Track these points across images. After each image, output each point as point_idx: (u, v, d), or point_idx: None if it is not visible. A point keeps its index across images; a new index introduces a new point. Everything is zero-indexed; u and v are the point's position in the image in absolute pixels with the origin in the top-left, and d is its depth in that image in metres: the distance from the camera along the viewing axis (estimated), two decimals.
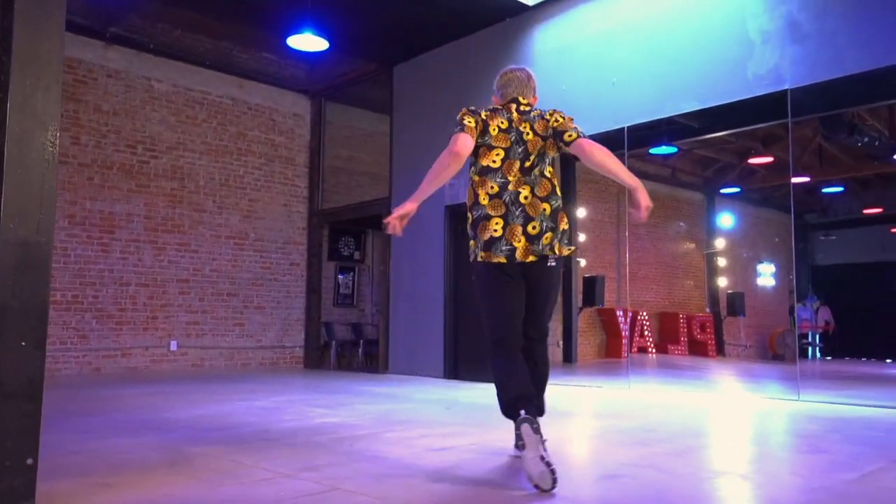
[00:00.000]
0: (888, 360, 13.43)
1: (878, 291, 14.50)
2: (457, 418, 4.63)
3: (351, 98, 10.63)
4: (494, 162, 2.94)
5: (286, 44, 7.78)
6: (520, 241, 2.82)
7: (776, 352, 14.39)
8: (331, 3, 7.43)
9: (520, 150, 2.95)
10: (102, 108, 8.53)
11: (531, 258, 2.84)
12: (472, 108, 3.10)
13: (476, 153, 3.01)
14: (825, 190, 14.60)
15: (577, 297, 12.50)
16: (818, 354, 14.75)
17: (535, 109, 3.11)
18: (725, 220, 16.55)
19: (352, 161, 10.83)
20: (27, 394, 2.03)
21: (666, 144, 10.42)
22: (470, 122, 2.99)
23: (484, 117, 3.03)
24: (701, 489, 2.60)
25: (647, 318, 13.76)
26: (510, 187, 2.89)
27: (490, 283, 2.91)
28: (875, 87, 5.94)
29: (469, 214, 2.99)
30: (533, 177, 2.91)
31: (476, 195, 2.95)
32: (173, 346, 8.90)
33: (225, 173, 9.58)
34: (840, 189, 14.60)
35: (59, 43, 2.22)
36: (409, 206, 2.96)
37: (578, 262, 12.88)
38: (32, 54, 2.12)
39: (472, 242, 2.97)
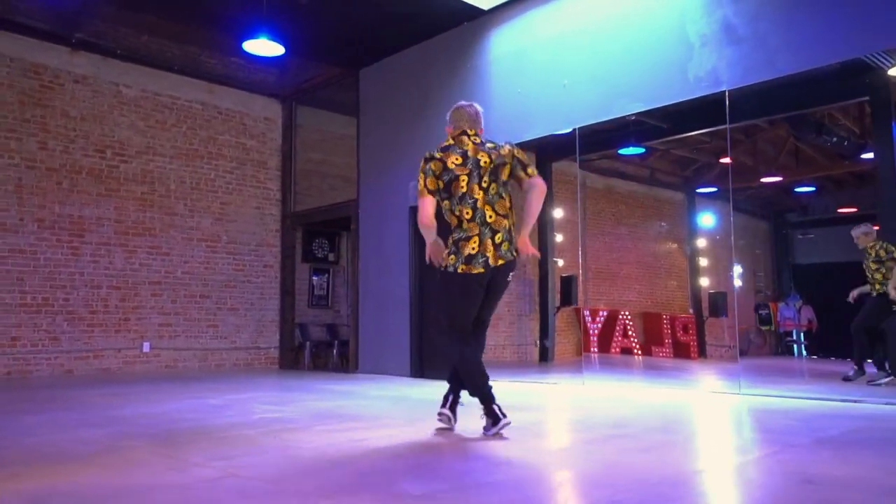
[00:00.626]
0: (869, 361, 13.58)
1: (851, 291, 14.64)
2: (397, 413, 4.77)
3: (322, 102, 10.77)
4: (463, 188, 3.56)
5: (249, 48, 7.93)
6: (490, 252, 3.52)
7: (740, 347, 14.51)
8: (292, 8, 7.57)
9: (476, 173, 3.57)
10: (70, 114, 8.65)
11: (500, 262, 3.54)
12: (429, 154, 3.66)
13: (449, 189, 3.58)
14: (797, 189, 14.77)
15: (556, 297, 12.66)
16: (804, 353, 14.87)
17: (489, 142, 3.70)
18: (706, 219, 16.68)
19: (324, 164, 10.96)
20: None
21: (633, 145, 10.60)
22: (427, 181, 3.59)
23: (439, 156, 3.61)
24: (599, 471, 2.74)
25: (629, 318, 13.83)
26: (479, 205, 3.54)
27: (465, 290, 3.57)
28: (809, 91, 6.12)
29: (451, 236, 3.62)
30: (491, 196, 3.56)
31: (459, 220, 3.58)
32: (146, 347, 9.02)
33: (196, 177, 9.71)
34: (812, 189, 14.76)
35: None
36: (433, 248, 3.65)
37: (556, 262, 13.05)
38: None
39: (451, 257, 3.58)
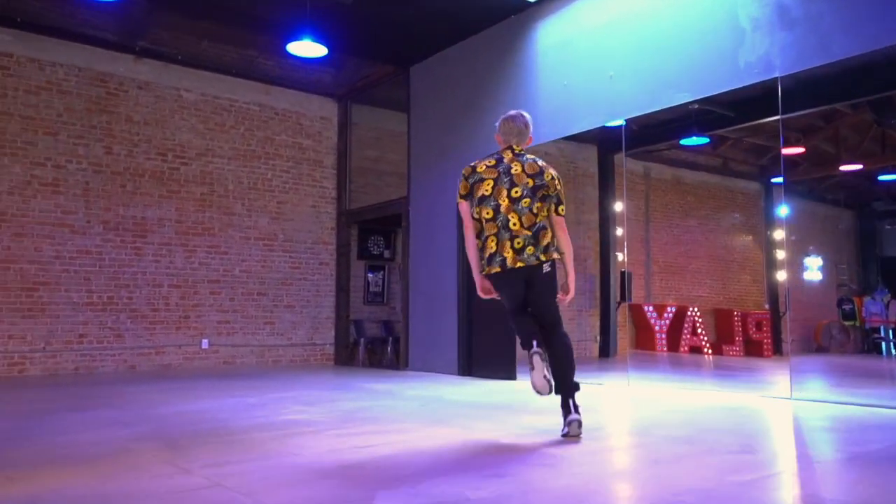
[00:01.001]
0: None
1: None
2: (420, 416, 4.70)
3: (377, 100, 10.82)
4: (487, 191, 3.67)
5: (293, 50, 8.03)
6: (508, 253, 3.60)
7: (820, 343, 13.75)
8: (338, 8, 7.62)
9: (506, 179, 3.66)
10: (133, 119, 9.01)
11: (519, 264, 3.61)
12: (472, 164, 3.82)
13: (473, 191, 3.72)
14: (881, 178, 13.81)
15: (616, 292, 12.32)
16: (893, 351, 13.96)
17: (530, 154, 3.81)
18: (784, 210, 15.80)
19: (380, 161, 11.02)
20: None
21: (696, 135, 10.15)
22: (461, 185, 3.78)
23: (473, 165, 3.79)
24: (592, 488, 2.60)
25: (699, 315, 13.29)
26: (502, 210, 3.62)
27: (498, 287, 3.74)
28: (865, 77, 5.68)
29: (478, 239, 3.75)
30: (521, 207, 3.62)
31: (480, 222, 3.71)
32: (204, 344, 9.32)
33: (253, 177, 9.94)
34: (894, 177, 13.77)
35: None
36: (479, 280, 3.79)
37: (616, 257, 12.70)
38: None
39: (483, 261, 3.72)
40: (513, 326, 3.86)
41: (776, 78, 5.45)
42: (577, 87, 7.05)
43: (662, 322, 12.80)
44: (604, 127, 9.95)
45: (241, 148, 9.87)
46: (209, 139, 9.60)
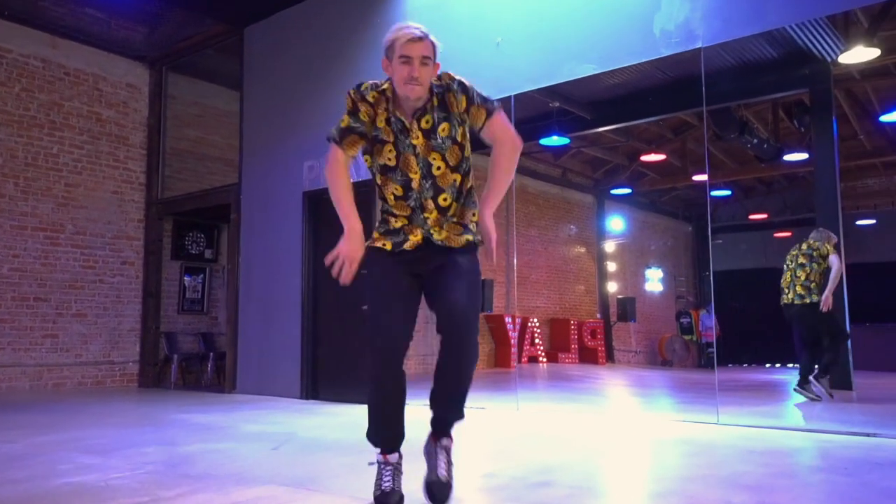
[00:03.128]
0: (767, 365, 13.32)
1: (760, 298, 14.32)
2: (280, 469, 3.28)
3: (201, 71, 9.09)
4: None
5: None
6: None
7: (665, 357, 13.92)
8: None
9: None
10: None
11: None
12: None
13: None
14: (713, 193, 14.27)
15: None
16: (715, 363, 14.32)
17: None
18: (615, 223, 16.02)
19: (202, 143, 9.26)
20: None
21: (558, 135, 9.54)
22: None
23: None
24: None
25: (537, 325, 12.97)
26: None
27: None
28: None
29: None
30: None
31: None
32: None
33: (32, 150, 7.78)
34: (728, 192, 14.30)
35: None
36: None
37: None
38: None
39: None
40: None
41: (699, 49, 4.71)
42: (455, 54, 5.93)
43: (513, 334, 12.25)
44: None
45: (14, 112, 7.67)
46: None
